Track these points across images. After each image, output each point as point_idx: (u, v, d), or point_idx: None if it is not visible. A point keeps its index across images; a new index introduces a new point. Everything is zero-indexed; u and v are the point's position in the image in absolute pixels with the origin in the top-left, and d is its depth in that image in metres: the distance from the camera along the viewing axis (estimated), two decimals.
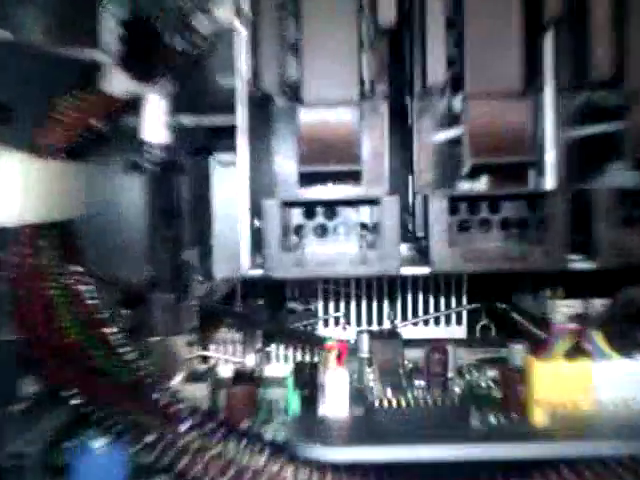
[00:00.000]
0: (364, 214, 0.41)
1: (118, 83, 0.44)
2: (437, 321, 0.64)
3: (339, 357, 0.45)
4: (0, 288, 0.43)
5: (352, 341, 0.57)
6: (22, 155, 0.45)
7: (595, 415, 0.42)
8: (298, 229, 0.41)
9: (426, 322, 0.64)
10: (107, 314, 0.46)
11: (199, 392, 0.44)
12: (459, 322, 0.64)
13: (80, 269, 0.47)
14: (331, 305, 0.63)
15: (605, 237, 0.37)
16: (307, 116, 0.38)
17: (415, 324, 0.64)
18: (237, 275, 0.84)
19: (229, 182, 0.88)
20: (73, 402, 0.41)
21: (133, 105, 0.46)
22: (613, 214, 0.37)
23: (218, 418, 0.40)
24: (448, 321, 0.64)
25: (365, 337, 0.55)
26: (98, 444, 0.40)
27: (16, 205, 0.44)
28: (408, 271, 0.39)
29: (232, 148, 0.88)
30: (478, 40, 0.37)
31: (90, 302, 0.46)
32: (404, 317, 0.64)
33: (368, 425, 0.42)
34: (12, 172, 0.44)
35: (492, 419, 0.43)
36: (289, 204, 0.38)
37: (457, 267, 0.38)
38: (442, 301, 0.64)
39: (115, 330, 0.45)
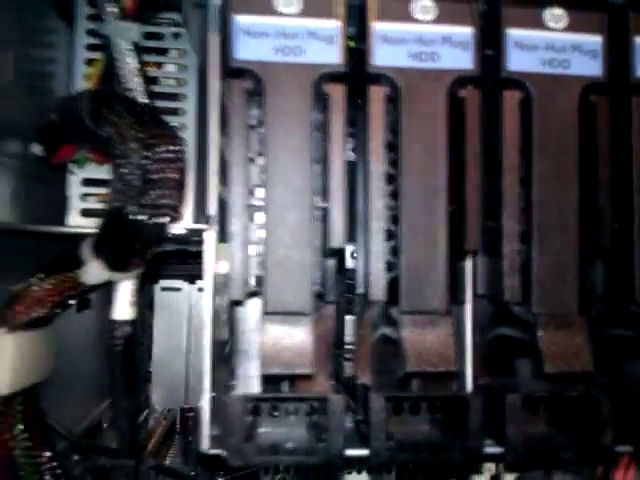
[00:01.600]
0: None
1: (93, 272, 0.49)
2: (369, 471, 0.70)
3: None
4: None
5: None
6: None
7: None
8: (255, 409, 0.46)
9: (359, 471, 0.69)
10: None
11: None
12: (389, 471, 0.70)
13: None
14: None
15: (512, 434, 0.44)
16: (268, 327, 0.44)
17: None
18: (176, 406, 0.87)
19: (170, 307, 0.94)
20: None
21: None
22: (519, 415, 0.45)
23: None
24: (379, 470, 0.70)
25: None
26: None
27: None
28: (351, 453, 0.45)
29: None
30: (412, 266, 0.45)
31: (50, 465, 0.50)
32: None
33: None
34: None
35: None
36: (250, 399, 0.44)
37: (393, 458, 0.44)
38: None
39: None
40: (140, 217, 0.47)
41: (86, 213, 0.64)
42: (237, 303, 0.47)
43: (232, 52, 0.44)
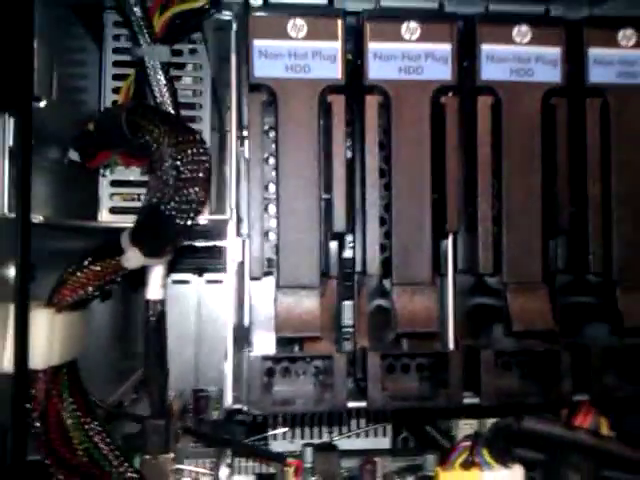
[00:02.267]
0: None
1: (132, 258, 0.57)
2: (367, 434, 0.78)
3: (296, 472, 0.59)
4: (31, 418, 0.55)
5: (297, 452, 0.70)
6: (47, 309, 0.58)
7: None
8: (269, 371, 0.55)
9: (357, 435, 0.78)
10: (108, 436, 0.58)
11: None
12: (384, 434, 0.79)
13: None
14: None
15: (487, 384, 0.53)
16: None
17: (348, 437, 0.78)
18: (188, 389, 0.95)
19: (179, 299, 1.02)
20: None
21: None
22: (493, 369, 0.54)
23: None
24: (376, 434, 0.78)
25: (309, 450, 0.69)
26: None
27: (44, 351, 0.57)
28: (352, 405, 0.54)
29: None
30: (402, 245, 0.54)
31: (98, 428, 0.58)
32: (339, 430, 0.78)
33: None
34: (42, 324, 0.56)
35: None
36: (267, 358, 0.53)
37: (387, 405, 0.53)
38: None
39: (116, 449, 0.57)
40: (173, 211, 0.56)
41: (114, 210, 0.72)
42: (255, 279, 0.55)
43: (251, 71, 0.53)
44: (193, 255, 0.85)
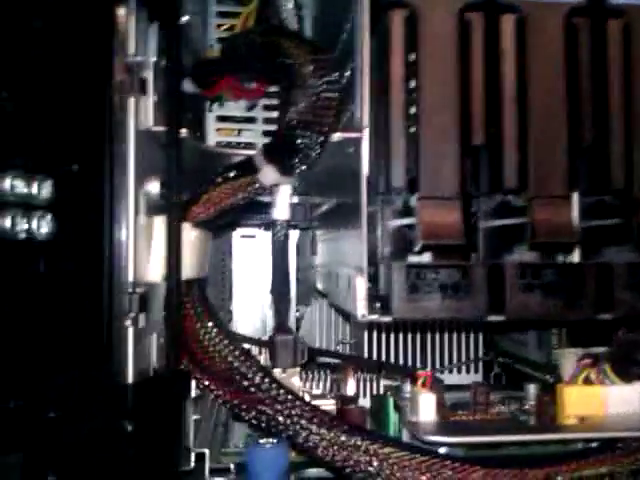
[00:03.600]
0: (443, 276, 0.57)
1: (269, 174, 0.59)
2: (459, 370, 0.80)
3: (425, 383, 0.60)
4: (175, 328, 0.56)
5: None
6: (187, 225, 0.59)
7: (607, 420, 0.59)
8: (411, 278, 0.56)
9: (450, 370, 0.80)
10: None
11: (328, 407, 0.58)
12: (476, 371, 0.81)
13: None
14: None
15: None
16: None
17: (442, 372, 0.80)
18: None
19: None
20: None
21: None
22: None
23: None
24: (468, 370, 0.80)
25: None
26: (268, 444, 0.53)
27: (184, 264, 0.58)
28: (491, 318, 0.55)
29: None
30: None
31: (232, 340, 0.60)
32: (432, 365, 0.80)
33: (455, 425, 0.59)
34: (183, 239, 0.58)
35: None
36: (409, 266, 0.55)
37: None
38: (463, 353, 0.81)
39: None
40: (308, 130, 0.57)
41: (219, 145, 0.74)
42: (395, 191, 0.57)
43: None
44: (258, 211, 0.87)
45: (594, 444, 0.58)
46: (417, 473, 0.51)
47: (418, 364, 0.80)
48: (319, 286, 0.90)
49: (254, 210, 0.88)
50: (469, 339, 0.80)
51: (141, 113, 0.54)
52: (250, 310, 1.00)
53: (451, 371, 0.80)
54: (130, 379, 0.46)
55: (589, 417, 0.59)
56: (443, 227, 0.54)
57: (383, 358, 0.79)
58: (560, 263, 0.58)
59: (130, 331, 0.47)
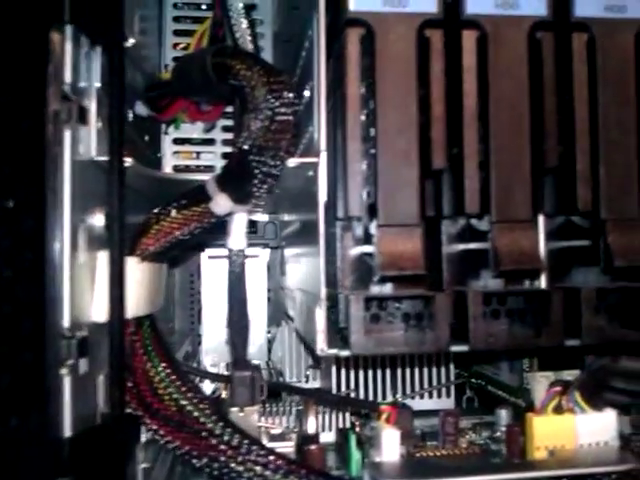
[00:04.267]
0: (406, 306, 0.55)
1: (222, 204, 0.56)
2: (430, 395, 0.78)
3: (389, 419, 0.58)
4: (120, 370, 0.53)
5: None
6: (132, 258, 0.56)
7: (578, 453, 0.57)
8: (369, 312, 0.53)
9: (422, 396, 0.77)
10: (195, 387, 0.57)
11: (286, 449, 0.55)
12: (448, 395, 0.78)
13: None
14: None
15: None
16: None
17: (413, 397, 0.77)
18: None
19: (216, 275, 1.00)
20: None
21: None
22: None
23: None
24: (440, 395, 0.78)
25: None
26: None
27: (129, 301, 0.55)
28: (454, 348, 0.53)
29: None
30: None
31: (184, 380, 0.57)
32: (403, 391, 0.77)
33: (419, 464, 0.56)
34: (127, 273, 0.55)
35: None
36: (368, 299, 0.52)
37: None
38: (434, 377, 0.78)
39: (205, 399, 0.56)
40: (263, 156, 0.55)
41: (177, 169, 0.71)
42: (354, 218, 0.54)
43: (347, 5, 0.52)
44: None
45: None
46: None
47: (388, 389, 0.77)
48: (288, 309, 0.88)
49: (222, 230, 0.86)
50: (440, 362, 0.78)
51: (82, 143, 0.51)
52: (220, 334, 0.97)
53: (422, 396, 0.77)
54: (67, 432, 0.43)
55: (559, 449, 0.57)
56: (403, 257, 0.52)
57: (352, 382, 0.76)
58: (526, 289, 0.55)
59: (67, 380, 0.44)
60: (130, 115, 0.65)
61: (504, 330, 0.54)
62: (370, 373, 0.77)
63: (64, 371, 0.44)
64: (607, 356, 0.59)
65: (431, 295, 0.52)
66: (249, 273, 1.00)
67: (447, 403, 0.78)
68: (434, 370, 0.78)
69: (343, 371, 0.76)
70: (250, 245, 1.01)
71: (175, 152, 0.71)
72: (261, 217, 1.02)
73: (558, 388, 0.60)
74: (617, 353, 0.58)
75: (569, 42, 0.55)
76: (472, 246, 0.56)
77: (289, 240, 0.95)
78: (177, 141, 0.71)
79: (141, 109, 0.65)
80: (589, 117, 0.55)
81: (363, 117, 0.54)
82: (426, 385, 0.78)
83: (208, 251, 0.98)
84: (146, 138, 0.71)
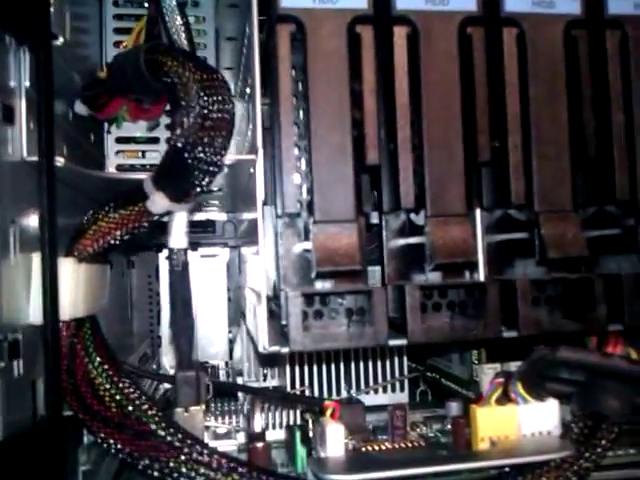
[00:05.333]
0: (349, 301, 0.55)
1: (158, 202, 0.55)
2: (384, 389, 0.78)
3: (334, 414, 0.58)
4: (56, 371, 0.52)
5: None
6: (70, 259, 0.56)
7: (519, 443, 0.58)
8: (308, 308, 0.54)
9: (376, 391, 0.78)
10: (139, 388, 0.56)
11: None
12: (402, 389, 0.78)
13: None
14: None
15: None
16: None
17: (367, 392, 0.77)
18: None
19: None
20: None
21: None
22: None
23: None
24: (393, 389, 0.78)
25: None
26: None
27: (67, 302, 0.54)
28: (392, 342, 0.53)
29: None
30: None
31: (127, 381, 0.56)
32: (357, 386, 0.77)
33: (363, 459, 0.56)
34: (65, 274, 0.54)
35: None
36: (306, 295, 0.52)
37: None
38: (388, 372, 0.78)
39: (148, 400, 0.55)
40: (199, 153, 0.54)
41: (120, 168, 0.70)
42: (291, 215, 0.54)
43: (278, 1, 0.52)
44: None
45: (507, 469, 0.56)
46: None
47: (342, 385, 0.77)
48: (244, 308, 0.87)
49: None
50: (393, 356, 0.78)
51: (11, 143, 0.50)
52: None
53: (377, 391, 0.78)
54: None
55: (502, 440, 0.57)
56: (338, 252, 0.52)
57: (306, 378, 0.76)
58: (463, 282, 0.56)
59: None
60: (70, 115, 0.65)
61: (446, 323, 0.55)
62: (324, 369, 0.77)
63: None
64: (548, 346, 0.59)
65: (367, 290, 0.53)
66: (209, 273, 1.03)
67: (401, 397, 0.78)
68: (388, 365, 0.78)
69: (297, 367, 0.76)
70: (209, 244, 1.03)
71: (119, 151, 0.70)
72: (219, 216, 1.02)
73: (501, 379, 0.61)
74: (559, 343, 0.59)
75: (499, 37, 0.55)
76: (411, 240, 0.56)
77: (243, 239, 0.95)
78: (120, 140, 0.70)
79: (80, 108, 0.64)
80: (521, 111, 0.55)
81: (298, 113, 0.54)
82: (381, 380, 0.78)
83: (166, 252, 0.98)
84: (92, 138, 0.71)
